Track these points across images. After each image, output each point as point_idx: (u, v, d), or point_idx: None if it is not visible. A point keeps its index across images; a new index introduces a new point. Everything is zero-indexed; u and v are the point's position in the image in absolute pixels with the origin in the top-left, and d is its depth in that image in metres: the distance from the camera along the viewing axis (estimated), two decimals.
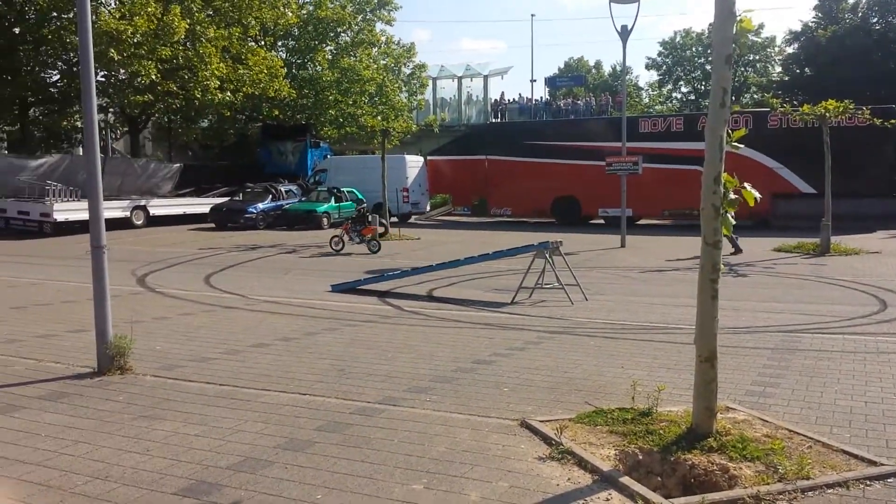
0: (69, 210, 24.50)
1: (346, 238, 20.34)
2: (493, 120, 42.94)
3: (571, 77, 59.69)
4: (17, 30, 28.27)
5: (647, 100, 68.67)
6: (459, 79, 50.10)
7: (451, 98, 50.73)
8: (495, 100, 45.38)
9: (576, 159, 30.71)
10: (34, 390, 6.58)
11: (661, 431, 5.13)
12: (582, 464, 4.74)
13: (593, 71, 75.44)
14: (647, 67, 68.18)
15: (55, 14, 28.05)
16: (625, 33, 21.91)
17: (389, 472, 4.70)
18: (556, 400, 6.31)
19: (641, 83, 72.75)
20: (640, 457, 4.87)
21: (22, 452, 5.04)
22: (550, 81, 53.40)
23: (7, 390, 6.56)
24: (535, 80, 62.39)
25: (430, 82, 47.12)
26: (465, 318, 10.46)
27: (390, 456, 4.96)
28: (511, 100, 44.96)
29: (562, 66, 76.61)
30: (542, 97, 49.23)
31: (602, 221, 30.67)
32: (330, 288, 13.08)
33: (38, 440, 5.29)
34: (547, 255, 12.00)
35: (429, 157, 36.14)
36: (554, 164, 31.27)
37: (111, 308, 7.33)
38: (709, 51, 59.07)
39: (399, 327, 9.78)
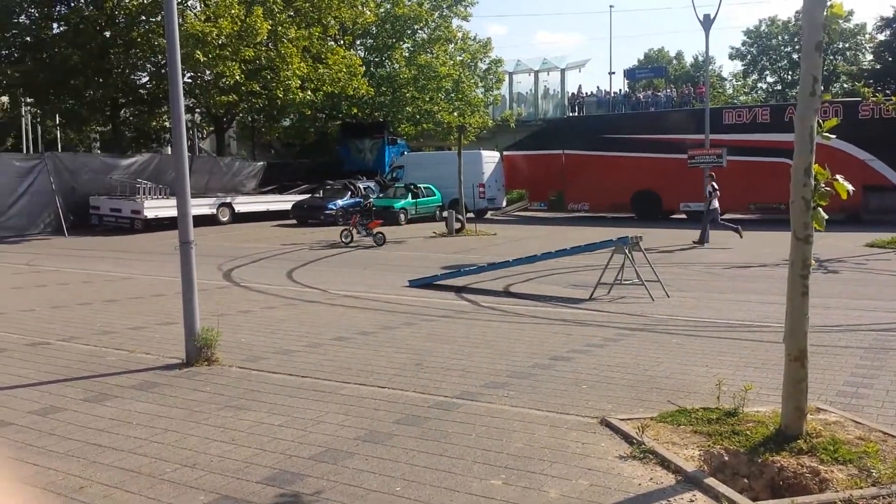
0: (158, 207, 25.46)
1: (354, 232, 21.30)
2: (571, 114, 42.46)
3: (652, 68, 58.50)
4: (107, 33, 29.48)
5: (730, 90, 66.71)
6: (536, 73, 49.75)
7: (527, 93, 50.43)
8: (573, 93, 44.85)
9: (656, 152, 30.11)
10: (126, 380, 6.87)
11: (747, 432, 4.98)
12: (665, 464, 4.64)
13: (674, 62, 73.77)
14: (731, 57, 66.33)
15: (144, 17, 29.15)
16: (707, 22, 21.33)
17: (467, 466, 4.71)
18: (637, 398, 6.20)
19: (725, 73, 70.75)
20: (726, 458, 4.74)
21: (114, 440, 5.26)
22: (630, 73, 52.46)
23: (101, 380, 6.87)
24: (613, 73, 61.85)
25: (507, 77, 46.97)
26: (542, 314, 10.39)
27: (468, 450, 4.97)
28: (589, 93, 44.36)
29: (641, 57, 75.27)
30: (620, 90, 48.41)
31: (684, 216, 29.97)
32: (407, 283, 13.19)
33: (129, 428, 5.52)
34: (626, 251, 11.79)
35: (505, 153, 36.02)
36: (633, 158, 30.74)
37: (199, 301, 7.59)
38: (796, 39, 57.01)
39: (476, 322, 9.79)
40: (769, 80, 65.15)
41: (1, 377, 6.96)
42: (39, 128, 41.94)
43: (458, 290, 12.58)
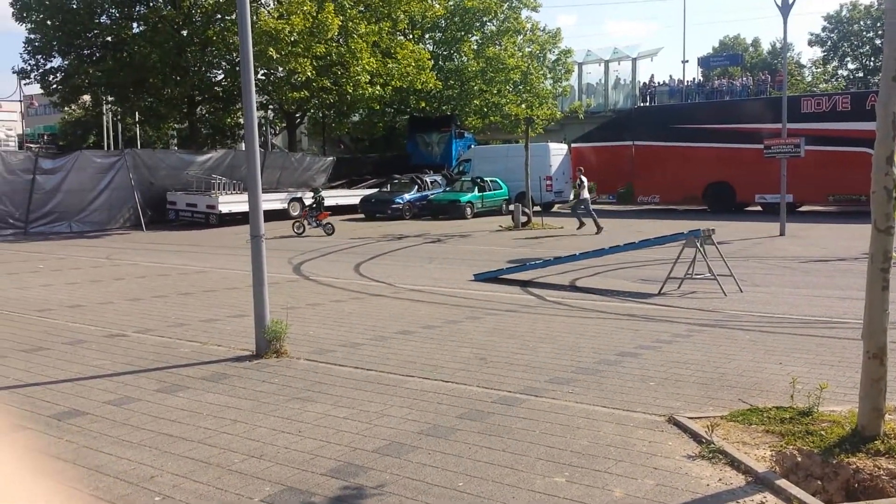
0: (232, 202, 26.08)
1: (305, 223, 23.33)
2: (641, 104, 41.66)
3: (727, 56, 56.82)
4: (184, 32, 30.29)
5: (809, 78, 64.31)
6: (606, 63, 48.95)
7: (597, 83, 49.66)
8: (644, 83, 44.00)
9: (730, 143, 29.29)
10: (198, 371, 7.06)
11: (822, 432, 4.80)
12: (735, 464, 4.51)
13: (750, 49, 71.53)
14: (810, 44, 63.97)
15: (219, 16, 29.84)
16: (786, 8, 20.56)
17: (531, 463, 4.66)
18: (707, 396, 6.03)
19: (804, 60, 68.28)
20: (799, 459, 4.57)
21: (185, 430, 5.41)
22: (704, 62, 51.10)
23: (173, 371, 7.08)
24: (686, 61, 60.54)
25: (576, 68, 46.35)
26: (609, 309, 10.23)
27: (531, 447, 4.93)
28: (661, 82, 43.45)
29: (716, 45, 73.26)
30: (694, 78, 47.26)
31: (759, 208, 29.08)
32: (472, 277, 13.18)
33: (199, 419, 5.66)
34: (698, 244, 11.49)
35: (573, 145, 35.59)
36: (706, 149, 29.97)
37: (269, 295, 7.74)
38: (879, 23, 54.50)
39: (541, 317, 9.70)
40: (850, 66, 62.54)
41: (79, 368, 7.24)
42: (120, 125, 43.53)
43: (524, 284, 12.49)
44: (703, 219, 24.49)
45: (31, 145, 47.19)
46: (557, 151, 33.02)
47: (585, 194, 22.96)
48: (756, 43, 73.81)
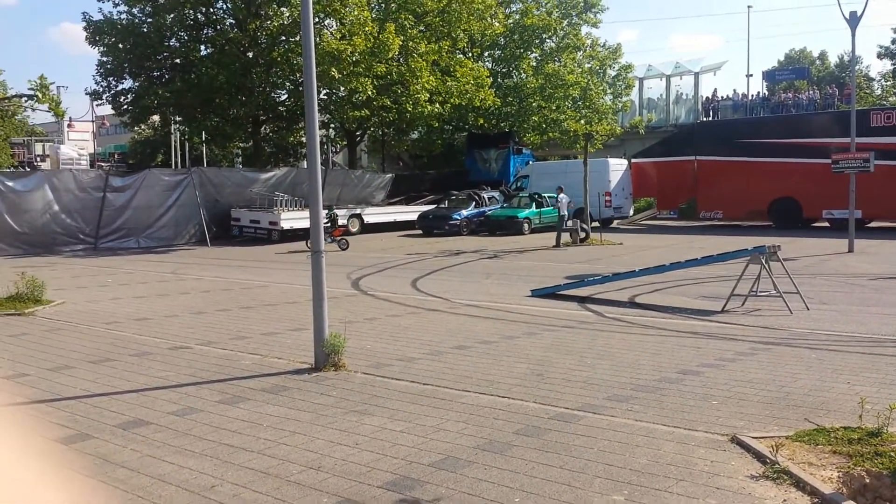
0: (294, 218, 26.55)
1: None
2: (704, 118, 40.96)
3: (793, 69, 55.52)
4: (250, 54, 31.10)
5: (879, 91, 62.28)
6: (668, 77, 48.28)
7: (658, 98, 49.00)
8: (707, 97, 43.25)
9: (797, 157, 28.55)
10: (258, 383, 7.18)
11: (892, 454, 4.61)
12: (800, 485, 4.36)
13: (817, 62, 69.78)
14: (880, 56, 61.83)
15: (284, 37, 30.59)
16: (854, 20, 20.02)
17: (588, 480, 4.60)
18: (771, 416, 5.86)
19: (873, 73, 66.18)
20: (868, 480, 4.40)
21: (245, 441, 5.50)
22: (769, 75, 49.99)
23: (235, 383, 7.21)
24: (751, 75, 58.78)
25: (637, 83, 45.85)
26: (670, 326, 10.04)
27: (589, 464, 4.86)
28: (724, 97, 42.66)
29: (782, 58, 71.74)
30: (759, 92, 46.19)
31: (826, 224, 28.22)
32: (529, 293, 13.11)
33: (260, 430, 5.75)
34: (763, 261, 11.20)
35: (633, 160, 35.19)
36: (771, 164, 29.27)
37: (327, 309, 7.85)
38: None
39: (599, 333, 9.58)
40: None
41: (144, 379, 7.45)
42: (187, 144, 44.82)
43: (582, 300, 12.37)
44: (769, 235, 23.89)
45: (102, 164, 48.99)
46: (617, 167, 32.71)
47: (563, 211, 24.38)
48: (823, 56, 72.00)
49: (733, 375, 7.16)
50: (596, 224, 26.78)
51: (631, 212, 34.92)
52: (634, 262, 16.95)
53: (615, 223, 32.57)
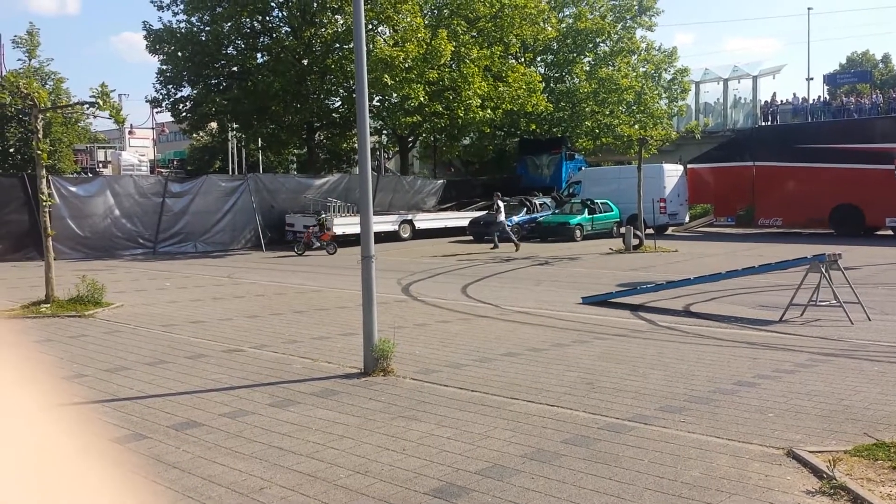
0: (346, 224, 26.77)
1: (308, 243, 24.98)
2: (763, 123, 40.08)
3: (855, 73, 53.98)
4: (305, 61, 31.56)
5: None
6: (725, 81, 47.41)
7: (715, 102, 48.15)
8: (765, 101, 42.31)
9: (860, 163, 27.69)
10: (308, 387, 7.24)
11: None
12: (858, 501, 4.21)
13: (881, 65, 67.69)
14: None
15: (338, 45, 30.96)
16: None
17: (638, 492, 4.51)
18: (829, 430, 5.67)
19: None
20: None
21: (294, 444, 5.55)
22: (830, 79, 48.69)
23: (286, 386, 7.29)
24: (811, 79, 57.77)
25: (693, 87, 45.14)
26: (725, 336, 9.81)
27: (639, 476, 4.77)
28: (784, 101, 41.69)
29: (843, 61, 69.69)
30: (819, 96, 45.06)
31: (890, 232, 27.32)
32: (581, 300, 12.97)
33: (308, 433, 5.80)
34: (823, 269, 10.87)
35: (689, 165, 34.62)
36: (833, 169, 28.45)
37: (377, 314, 7.89)
38: None
39: (652, 342, 9.42)
40: None
41: (198, 381, 7.58)
42: (244, 151, 45.68)
43: (635, 308, 12.19)
44: (829, 243, 23.20)
45: (162, 170, 50.29)
46: (672, 172, 32.22)
47: (501, 218, 25.05)
48: (886, 59, 69.81)
49: (791, 387, 6.95)
50: (650, 231, 26.39)
51: (686, 218, 34.33)
52: (689, 270, 16.65)
53: (670, 230, 32.06)
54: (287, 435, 5.75)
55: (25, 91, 13.20)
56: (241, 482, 4.79)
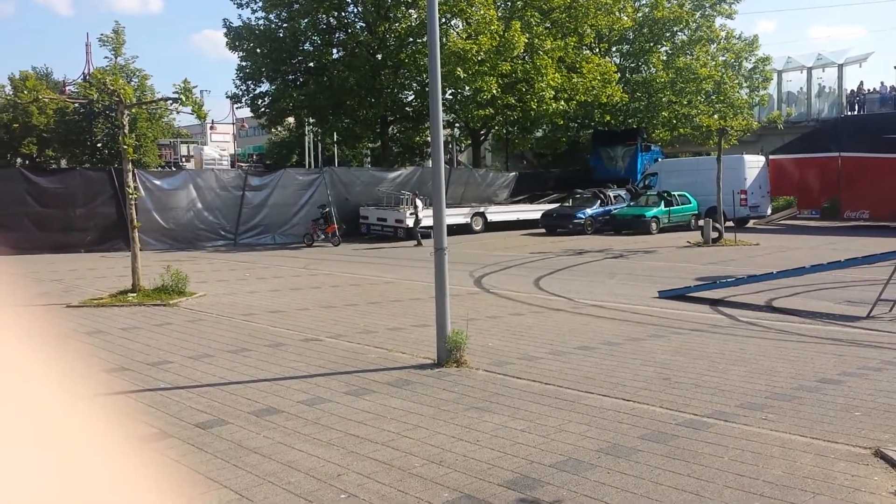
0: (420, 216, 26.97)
1: (314, 235, 25.92)
2: (849, 113, 38.48)
3: None
4: (379, 56, 31.90)
5: None
6: (809, 70, 45.67)
7: (798, 91, 46.46)
8: (852, 90, 40.63)
9: None
10: (383, 377, 7.34)
11: None
12: None
13: None
14: None
15: (411, 39, 31.16)
16: None
17: (718, 490, 4.41)
18: None
19: None
20: None
21: (370, 432, 5.63)
22: None
23: (361, 375, 7.41)
24: None
25: (775, 76, 43.66)
26: (809, 332, 9.49)
27: (719, 474, 4.66)
28: (871, 89, 39.92)
29: None
30: None
31: None
32: (657, 294, 12.73)
33: (384, 422, 5.88)
34: None
35: (771, 157, 33.52)
36: None
37: (450, 306, 7.93)
38: None
39: (732, 338, 9.18)
40: None
41: (277, 368, 7.78)
42: (320, 145, 46.45)
43: (714, 302, 11.89)
44: None
45: (242, 164, 51.61)
46: (753, 164, 31.24)
47: (419, 217, 25.49)
48: None
49: (878, 385, 6.68)
50: (730, 223, 25.68)
51: (768, 211, 33.26)
52: (771, 264, 16.14)
53: (751, 223, 31.13)
54: (363, 423, 5.85)
55: (112, 88, 13.76)
56: (318, 468, 4.90)
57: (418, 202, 26.09)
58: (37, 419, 0.42)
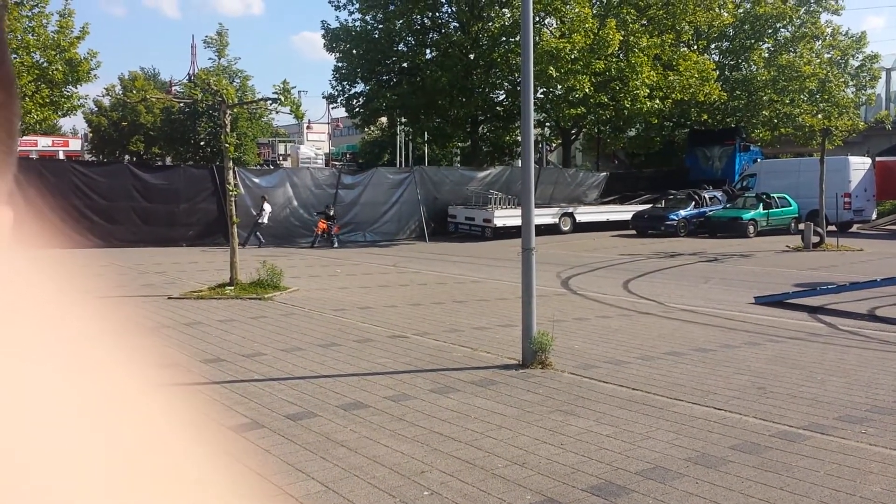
0: (507, 216, 26.94)
1: (319, 235, 25.53)
2: None
3: None
4: (472, 56, 32.02)
5: None
6: None
7: None
8: None
9: None
10: (467, 375, 7.38)
11: None
12: None
13: None
14: None
15: (504, 38, 31.13)
16: None
17: None
18: None
19: None
20: None
21: (454, 431, 5.68)
22: None
23: (446, 373, 7.47)
24: None
25: (883, 74, 41.52)
26: None
27: (813, 488, 4.49)
28: None
29: None
30: None
31: None
32: (753, 300, 12.31)
33: (467, 421, 5.92)
34: None
35: (878, 158, 31.87)
36: None
37: (536, 307, 7.90)
38: None
39: (831, 347, 8.80)
40: None
41: (365, 364, 7.93)
42: (410, 144, 47.04)
43: (813, 310, 11.41)
44: None
45: (336, 163, 52.79)
46: (859, 165, 29.79)
47: (264, 219, 24.80)
48: None
49: None
50: (832, 228, 24.58)
51: (874, 215, 31.64)
52: (875, 271, 15.37)
53: (855, 227, 29.68)
54: (447, 421, 5.90)
55: (215, 88, 14.32)
56: (403, 464, 4.98)
57: (267, 207, 25.31)
58: (133, 405, 0.46)
